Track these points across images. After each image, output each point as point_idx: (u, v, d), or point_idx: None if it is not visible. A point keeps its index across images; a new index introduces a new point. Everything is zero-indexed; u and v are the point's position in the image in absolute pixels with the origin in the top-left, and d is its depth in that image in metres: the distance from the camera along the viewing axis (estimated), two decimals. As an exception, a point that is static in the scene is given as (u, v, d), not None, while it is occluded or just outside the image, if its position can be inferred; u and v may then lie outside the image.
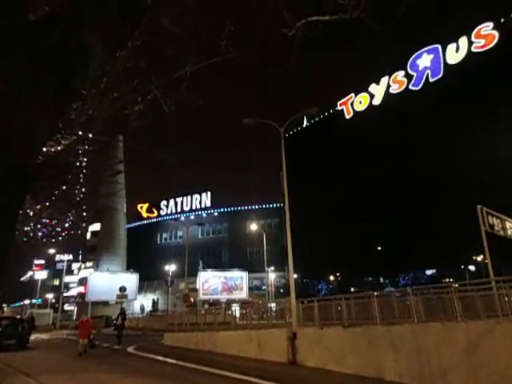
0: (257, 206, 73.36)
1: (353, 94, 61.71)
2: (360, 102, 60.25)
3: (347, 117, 61.46)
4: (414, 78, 52.85)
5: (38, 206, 11.80)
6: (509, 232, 15.35)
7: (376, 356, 10.09)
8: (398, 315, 11.86)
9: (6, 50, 1.89)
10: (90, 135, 7.93)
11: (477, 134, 39.96)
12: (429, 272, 48.65)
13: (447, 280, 36.09)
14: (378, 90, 57.83)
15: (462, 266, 43.33)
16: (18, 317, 28.85)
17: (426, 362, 8.86)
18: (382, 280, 52.46)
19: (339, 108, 63.33)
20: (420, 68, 52.44)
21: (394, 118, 48.40)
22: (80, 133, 6.76)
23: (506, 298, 8.89)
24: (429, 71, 51.23)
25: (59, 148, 5.98)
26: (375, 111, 55.72)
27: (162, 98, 5.97)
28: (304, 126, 68.07)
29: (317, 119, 65.34)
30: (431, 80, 50.73)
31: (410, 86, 53.13)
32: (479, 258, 38.39)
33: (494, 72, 40.72)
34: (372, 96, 58.52)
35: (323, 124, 63.62)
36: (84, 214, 23.65)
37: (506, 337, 7.72)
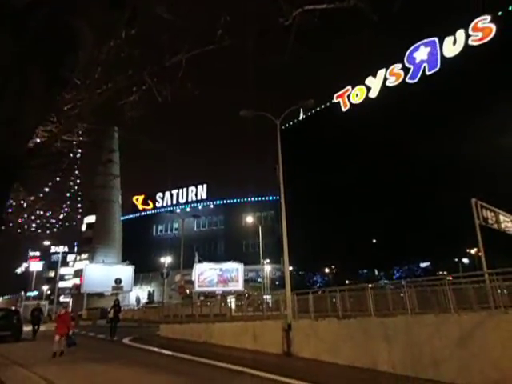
0: (253, 199, 73.40)
1: (349, 87, 61.54)
2: (356, 95, 60.12)
3: (344, 109, 61.35)
4: (411, 71, 52.76)
5: (32, 198, 11.71)
6: (502, 225, 15.46)
7: (370, 347, 10.19)
8: (392, 307, 11.95)
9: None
10: (83, 125, 7.83)
11: (474, 127, 40.03)
12: (423, 265, 49.05)
13: (441, 273, 36.36)
14: (374, 83, 57.70)
15: (456, 259, 43.72)
16: (13, 308, 28.78)
17: (418, 353, 8.96)
18: (376, 273, 52.84)
19: (336, 101, 63.17)
20: (417, 61, 52.33)
21: (390, 111, 48.34)
22: (72, 123, 6.68)
23: (499, 291, 8.97)
24: (426, 64, 51.15)
25: (47, 135, 5.91)
26: (372, 104, 55.63)
27: (156, 87, 5.90)
28: (300, 118, 67.90)
29: (313, 111, 65.17)
30: (428, 73, 50.69)
31: (407, 79, 53.06)
32: (473, 251, 38.75)
33: (491, 65, 40.72)
34: (369, 89, 58.40)
35: (319, 116, 63.49)
36: (79, 205, 23.54)
37: (498, 328, 7.80)
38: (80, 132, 8.95)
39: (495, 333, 7.79)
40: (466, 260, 43.41)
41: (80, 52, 2.14)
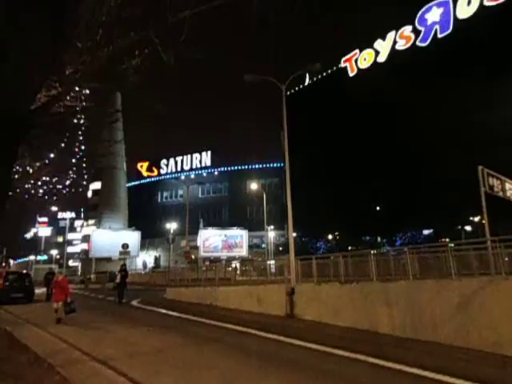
0: (257, 166, 73.22)
1: (357, 51, 59.60)
2: (364, 59, 58.33)
3: (351, 74, 59.73)
4: (422, 34, 50.81)
5: (37, 164, 11.77)
6: (508, 193, 15.39)
7: (371, 311, 10.48)
8: (394, 273, 12.20)
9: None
10: (85, 90, 7.73)
11: (486, 93, 38.92)
12: (426, 232, 49.46)
13: (443, 240, 36.74)
14: (383, 47, 55.80)
15: (459, 227, 43.99)
16: (24, 271, 29.68)
17: (418, 317, 9.21)
18: (379, 239, 53.45)
19: (343, 65, 61.39)
20: (428, 23, 50.25)
21: (398, 77, 47.05)
22: (74, 84, 6.57)
23: (501, 258, 9.07)
24: (437, 26, 49.16)
25: (52, 94, 5.84)
26: (380, 69, 54.02)
27: (161, 48, 5.75)
28: (306, 84, 66.36)
29: (319, 77, 63.57)
30: (439, 36, 48.81)
31: (417, 42, 51.21)
32: (476, 219, 38.90)
33: (506, 26, 39.08)
34: (377, 53, 56.56)
35: (325, 82, 61.95)
36: (84, 172, 23.63)
37: (497, 293, 7.96)
38: (83, 98, 8.85)
39: (495, 298, 7.95)
40: (468, 228, 43.68)
41: (80, 6, 2.08)
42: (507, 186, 15.26)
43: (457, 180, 35.41)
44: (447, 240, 33.94)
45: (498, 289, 8.04)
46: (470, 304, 8.25)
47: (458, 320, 8.40)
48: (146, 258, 66.88)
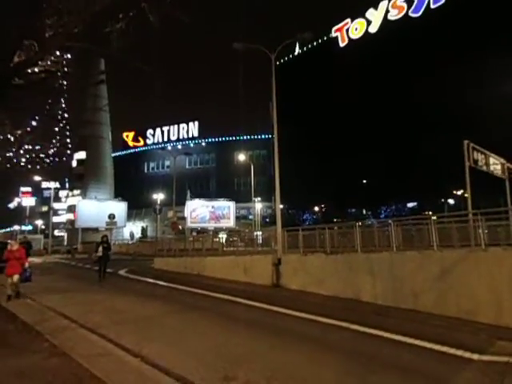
0: (245, 137, 72.59)
1: (349, 20, 58.32)
2: (356, 29, 57.20)
3: (341, 45, 58.71)
4: (415, 4, 49.90)
5: (19, 131, 11.41)
6: (491, 167, 15.69)
7: (354, 280, 10.79)
8: (378, 244, 12.49)
9: None
10: (68, 55, 7.42)
11: (476, 70, 38.68)
12: (410, 205, 50.42)
13: (427, 213, 37.58)
14: (375, 16, 54.69)
15: (443, 200, 44.92)
16: (9, 241, 29.35)
17: (400, 286, 9.53)
18: (364, 212, 54.34)
19: (334, 35, 60.14)
20: (422, -8, 49.21)
21: (389, 48, 46.48)
22: (54, 44, 6.29)
23: (481, 230, 9.34)
24: (431, -4, 48.20)
25: (30, 57, 5.59)
26: (371, 40, 53.16)
27: (147, 9, 5.50)
28: (296, 53, 64.99)
29: (309, 46, 62.28)
30: (432, 6, 47.95)
31: (410, 13, 50.36)
32: (459, 193, 39.72)
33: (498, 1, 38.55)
34: (369, 22, 55.47)
35: (315, 52, 60.79)
36: (68, 140, 23.06)
37: (476, 264, 8.26)
38: (64, 62, 8.50)
39: (473, 268, 8.26)
40: (451, 201, 44.64)
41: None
42: (491, 160, 15.54)
43: (442, 154, 35.84)
44: (431, 213, 34.74)
45: (476, 260, 8.34)
46: (449, 274, 8.56)
47: (437, 289, 8.72)
48: (133, 229, 66.76)
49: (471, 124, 34.61)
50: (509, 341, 6.40)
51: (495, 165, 15.85)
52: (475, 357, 5.52)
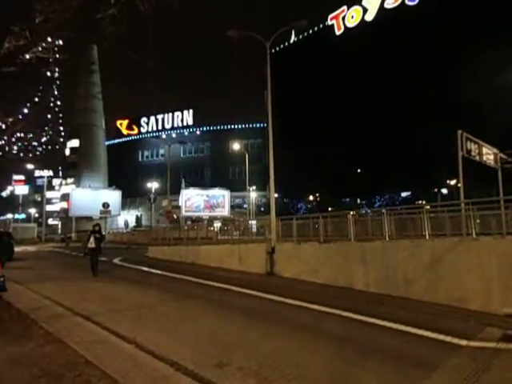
0: (240, 126, 72.26)
1: (345, 7, 57.74)
2: (352, 17, 56.70)
3: (337, 33, 58.21)
4: (412, -8, 49.41)
5: (10, 119, 11.25)
6: (484, 157, 15.77)
7: (347, 269, 10.91)
8: (371, 233, 12.60)
9: None
10: (59, 41, 7.30)
11: (473, 60, 38.53)
12: (404, 194, 50.78)
13: (420, 202, 37.89)
14: (372, 4, 54.21)
15: (436, 190, 45.26)
16: (1, 230, 29.20)
17: (392, 275, 9.66)
18: (358, 201, 54.65)
19: (330, 23, 59.57)
20: (419, -20, 48.73)
21: (385, 37, 46.16)
22: (45, 32, 6.18)
23: (472, 219, 9.45)
24: (428, -16, 47.71)
25: (21, 44, 5.50)
26: (367, 28, 52.80)
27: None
28: (291, 41, 64.39)
29: (305, 34, 61.70)
30: (429, -6, 47.51)
31: (406, 1, 49.92)
32: (452, 182, 39.99)
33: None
34: (365, 10, 54.97)
35: (311, 40, 60.28)
36: (61, 128, 22.78)
37: (466, 253, 8.39)
38: (56, 49, 8.36)
39: (463, 257, 8.39)
40: (444, 190, 45.00)
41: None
42: (484, 150, 15.61)
43: (435, 143, 35.95)
44: (424, 202, 35.01)
45: (466, 248, 8.46)
46: (440, 262, 8.69)
47: (428, 277, 8.86)
48: (127, 218, 66.63)
49: (466, 114, 34.69)
50: (497, 327, 6.55)
51: (488, 155, 15.92)
52: (464, 343, 5.64)
